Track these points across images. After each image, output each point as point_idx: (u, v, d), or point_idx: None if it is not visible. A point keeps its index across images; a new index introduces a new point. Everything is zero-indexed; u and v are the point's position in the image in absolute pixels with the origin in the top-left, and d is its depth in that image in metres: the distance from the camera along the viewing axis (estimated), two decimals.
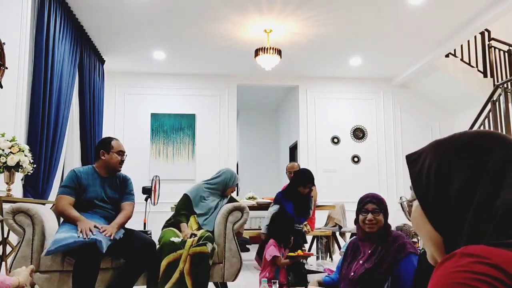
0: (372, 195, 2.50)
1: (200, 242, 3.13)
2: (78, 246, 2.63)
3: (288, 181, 5.43)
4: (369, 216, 2.41)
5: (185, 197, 3.58)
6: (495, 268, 0.52)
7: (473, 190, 0.64)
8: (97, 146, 3.15)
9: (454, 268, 0.54)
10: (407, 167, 0.75)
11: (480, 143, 0.68)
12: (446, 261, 0.57)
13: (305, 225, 4.90)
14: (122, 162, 3.12)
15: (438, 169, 0.69)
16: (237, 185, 3.81)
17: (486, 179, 0.64)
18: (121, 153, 3.10)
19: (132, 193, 3.22)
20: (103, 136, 6.59)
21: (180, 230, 3.35)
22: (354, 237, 2.63)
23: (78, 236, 2.66)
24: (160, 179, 6.69)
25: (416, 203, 0.72)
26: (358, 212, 2.49)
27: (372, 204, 2.43)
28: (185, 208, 3.52)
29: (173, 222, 3.47)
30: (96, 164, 3.10)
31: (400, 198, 1.95)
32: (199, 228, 3.46)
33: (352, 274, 2.34)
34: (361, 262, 2.36)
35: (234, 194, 4.04)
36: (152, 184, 6.38)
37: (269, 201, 5.52)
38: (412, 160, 0.74)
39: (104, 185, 3.06)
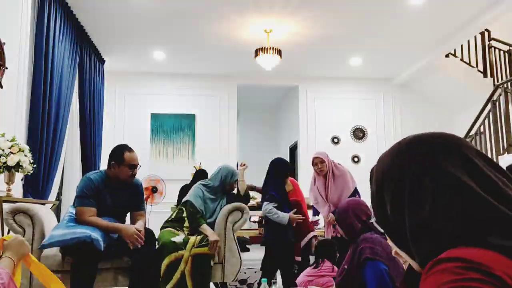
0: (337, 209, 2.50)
1: (203, 243, 3.13)
2: (75, 243, 2.62)
3: None
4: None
5: (191, 205, 3.45)
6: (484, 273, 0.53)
7: (402, 211, 0.65)
8: (110, 154, 3.00)
9: (445, 276, 0.54)
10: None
11: (399, 157, 0.69)
12: (434, 267, 0.57)
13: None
14: (133, 175, 2.99)
15: (376, 194, 0.72)
16: (236, 181, 3.72)
17: (408, 197, 0.65)
18: (133, 166, 2.97)
19: (143, 201, 3.17)
20: (103, 137, 6.61)
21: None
22: None
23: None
24: (160, 179, 6.69)
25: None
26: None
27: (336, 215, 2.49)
28: (197, 213, 3.43)
29: (195, 227, 3.34)
30: (107, 171, 3.00)
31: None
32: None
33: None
34: (345, 266, 2.34)
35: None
36: (146, 184, 6.37)
37: None
38: (370, 178, 0.78)
39: (114, 193, 2.98)
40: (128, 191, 3.05)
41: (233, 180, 3.62)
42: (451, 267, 0.54)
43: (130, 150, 3.01)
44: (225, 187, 3.59)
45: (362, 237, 2.25)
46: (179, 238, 3.13)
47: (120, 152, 2.96)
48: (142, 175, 7.10)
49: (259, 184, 5.31)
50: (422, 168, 0.65)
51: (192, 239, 3.17)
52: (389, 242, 0.73)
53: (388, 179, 0.68)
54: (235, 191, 3.85)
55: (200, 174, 5.13)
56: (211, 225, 3.51)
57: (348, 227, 2.30)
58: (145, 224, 3.04)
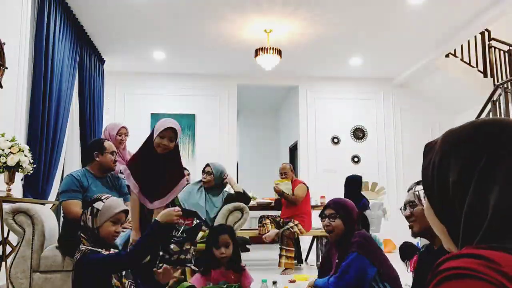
0: (335, 200, 2.47)
1: (204, 240, 3.14)
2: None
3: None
4: (325, 221, 2.40)
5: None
6: (504, 277, 0.52)
7: (467, 186, 0.64)
8: (89, 148, 3.18)
9: (458, 270, 0.54)
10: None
11: (479, 134, 0.67)
12: (451, 260, 0.56)
13: (296, 224, 4.89)
14: (115, 161, 3.17)
15: (440, 161, 0.69)
16: (208, 167, 3.82)
17: (479, 174, 0.63)
18: (114, 153, 3.16)
19: (128, 193, 3.22)
20: (103, 136, 6.61)
21: None
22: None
23: None
24: None
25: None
26: (320, 217, 2.50)
27: (329, 209, 2.41)
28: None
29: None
30: (89, 166, 3.12)
31: (414, 187, 1.92)
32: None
33: None
34: (331, 279, 2.37)
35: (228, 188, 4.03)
36: None
37: (269, 201, 5.53)
38: (427, 150, 0.75)
39: (101, 185, 3.08)
40: (111, 181, 3.18)
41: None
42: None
43: (105, 140, 3.25)
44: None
45: (357, 233, 2.38)
46: None
47: (100, 142, 3.16)
48: None
49: (257, 189, 5.35)
50: (504, 147, 0.64)
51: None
52: (428, 214, 0.72)
53: (463, 147, 0.67)
54: (232, 191, 3.87)
55: None
56: (212, 224, 3.51)
57: (352, 223, 2.39)
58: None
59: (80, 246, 1.96)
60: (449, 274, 0.54)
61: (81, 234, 1.99)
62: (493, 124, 0.67)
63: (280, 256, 4.75)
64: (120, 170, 3.99)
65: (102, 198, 2.06)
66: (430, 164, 0.71)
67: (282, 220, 5.11)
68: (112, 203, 2.05)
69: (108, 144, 3.15)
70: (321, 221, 2.47)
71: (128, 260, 1.92)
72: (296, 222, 4.91)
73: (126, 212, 2.09)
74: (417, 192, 1.78)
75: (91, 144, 3.24)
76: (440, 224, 0.70)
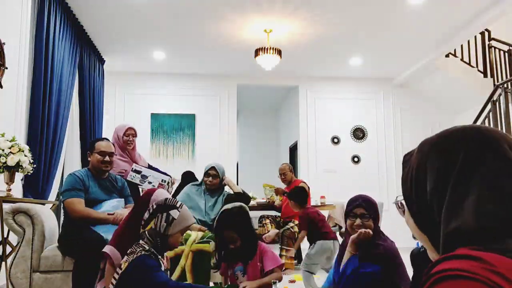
0: (363, 197, 2.30)
1: (204, 239, 3.14)
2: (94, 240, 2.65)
3: (280, 183, 5.45)
4: (358, 221, 2.22)
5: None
6: (498, 276, 0.52)
7: (443, 192, 0.64)
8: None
9: (452, 271, 0.54)
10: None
11: (452, 141, 0.67)
12: (446, 261, 0.56)
13: (296, 224, 4.90)
14: (105, 162, 3.08)
15: (417, 171, 0.70)
16: (214, 170, 3.77)
17: (454, 180, 0.64)
18: (103, 153, 3.07)
19: (130, 195, 3.26)
20: (103, 136, 6.62)
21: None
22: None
23: None
24: None
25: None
26: (346, 215, 2.30)
27: (360, 208, 2.24)
28: None
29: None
30: (89, 167, 3.14)
31: (396, 198, 1.91)
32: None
33: None
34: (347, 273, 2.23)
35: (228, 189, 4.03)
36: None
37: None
38: (404, 161, 0.76)
39: (100, 186, 3.07)
40: (112, 184, 3.15)
41: (207, 169, 3.75)
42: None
43: (102, 140, 3.19)
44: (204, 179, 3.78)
45: (387, 244, 2.21)
46: None
47: (93, 142, 3.17)
48: None
49: (257, 189, 5.36)
50: (479, 150, 0.64)
51: (193, 235, 3.18)
52: (410, 224, 0.72)
53: (437, 154, 0.67)
54: (231, 191, 3.87)
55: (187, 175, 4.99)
56: (211, 225, 3.51)
57: (377, 220, 2.25)
58: None
59: (142, 242, 1.97)
60: (443, 275, 0.54)
61: (148, 235, 1.99)
62: (464, 130, 0.68)
63: (280, 256, 4.75)
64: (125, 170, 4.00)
65: (178, 206, 2.04)
66: (408, 175, 0.72)
67: (282, 220, 5.12)
68: (187, 214, 2.06)
69: (98, 144, 3.11)
70: (349, 219, 2.27)
71: None
72: (296, 222, 4.91)
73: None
74: (399, 203, 1.75)
75: (90, 142, 3.27)
76: (421, 233, 0.70)
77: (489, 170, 0.62)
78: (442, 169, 0.66)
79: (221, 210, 2.55)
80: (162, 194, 2.42)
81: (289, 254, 4.74)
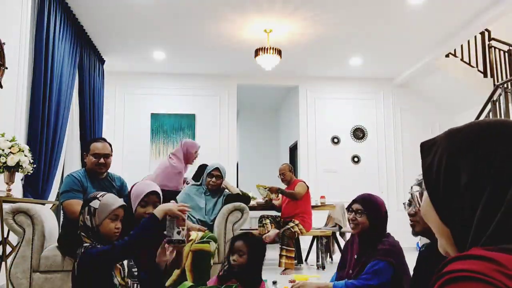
0: (364, 195, 2.44)
1: (204, 239, 3.14)
2: None
3: (280, 183, 5.45)
4: (351, 215, 2.39)
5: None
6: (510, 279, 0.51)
7: (481, 187, 0.62)
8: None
9: (466, 273, 0.52)
10: (420, 155, 0.72)
11: (490, 135, 0.65)
12: (459, 260, 0.55)
13: (297, 224, 4.90)
14: (99, 164, 3.00)
15: (448, 161, 0.66)
16: (218, 171, 3.74)
17: (493, 175, 0.61)
18: (97, 155, 2.99)
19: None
20: (103, 136, 6.62)
21: None
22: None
23: None
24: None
25: (426, 194, 0.70)
26: (347, 210, 2.49)
27: (357, 204, 2.39)
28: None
29: None
30: (86, 166, 3.11)
31: (411, 188, 1.88)
32: None
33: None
34: (350, 271, 2.36)
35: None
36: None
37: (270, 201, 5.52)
38: (426, 149, 0.72)
39: (98, 186, 3.03)
40: (111, 184, 3.11)
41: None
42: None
43: (99, 140, 3.11)
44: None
45: (388, 239, 2.31)
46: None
47: (89, 143, 3.10)
48: (142, 175, 7.11)
49: (257, 189, 5.36)
50: None
51: (193, 235, 3.18)
52: (430, 215, 0.69)
53: (474, 149, 0.65)
54: (231, 191, 3.86)
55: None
56: (212, 225, 3.52)
57: (380, 223, 2.34)
58: None
59: (83, 244, 1.97)
60: (455, 276, 0.53)
61: (82, 233, 1.99)
62: (502, 124, 0.66)
63: (281, 256, 4.75)
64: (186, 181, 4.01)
65: (98, 196, 2.05)
66: (434, 165, 0.68)
67: (282, 220, 5.12)
68: (109, 200, 2.05)
69: (93, 145, 3.03)
70: (348, 214, 2.46)
71: (120, 252, 1.92)
72: (297, 222, 4.91)
73: (124, 207, 2.09)
74: (415, 193, 1.75)
75: (87, 142, 3.22)
76: (443, 226, 0.67)
77: None
78: (482, 161, 0.63)
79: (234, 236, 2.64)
80: (140, 186, 2.46)
81: (289, 254, 4.75)
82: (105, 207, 2.00)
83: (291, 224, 4.86)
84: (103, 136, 6.66)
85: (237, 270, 2.39)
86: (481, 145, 0.64)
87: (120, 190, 3.17)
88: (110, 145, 3.15)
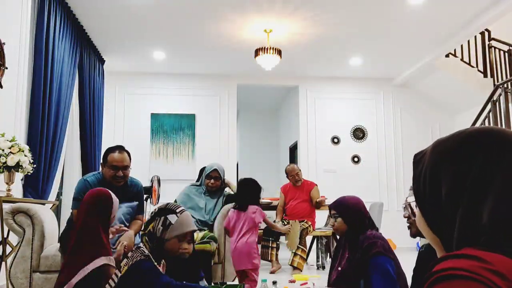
0: (338, 199, 2.52)
1: (204, 239, 3.14)
2: None
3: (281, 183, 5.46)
4: (331, 220, 2.50)
5: (174, 201, 3.64)
6: (497, 275, 0.52)
7: (459, 196, 0.63)
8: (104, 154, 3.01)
9: (453, 271, 0.54)
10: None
11: (469, 145, 0.66)
12: (448, 259, 0.57)
13: (310, 225, 4.94)
14: (117, 177, 2.88)
15: (431, 172, 0.69)
16: (216, 172, 3.71)
17: (472, 184, 0.63)
18: (115, 168, 2.87)
19: (143, 205, 3.13)
20: (103, 137, 6.62)
21: None
22: None
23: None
24: (160, 179, 6.69)
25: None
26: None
27: (332, 210, 2.50)
28: None
29: None
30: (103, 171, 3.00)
31: (406, 199, 1.90)
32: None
33: (333, 277, 2.41)
34: (339, 268, 2.39)
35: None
36: (151, 184, 6.38)
37: (269, 201, 5.53)
38: (416, 160, 0.74)
39: (115, 192, 2.91)
40: (128, 193, 3.00)
41: (209, 171, 3.70)
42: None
43: (117, 151, 2.94)
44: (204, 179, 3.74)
45: (367, 235, 2.31)
46: None
47: (106, 153, 2.94)
48: (142, 175, 7.11)
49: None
50: (499, 154, 0.63)
51: (194, 235, 3.18)
52: (421, 224, 0.72)
53: (454, 157, 0.66)
54: (230, 191, 3.86)
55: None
56: (212, 225, 3.51)
57: (357, 221, 2.37)
58: (140, 227, 2.98)
59: (142, 248, 1.95)
60: (443, 274, 0.54)
61: (146, 239, 1.97)
62: (483, 133, 0.67)
63: (295, 254, 4.75)
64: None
65: (177, 211, 2.01)
66: (421, 176, 0.71)
67: (295, 221, 5.04)
68: (185, 220, 2.01)
69: (111, 156, 2.89)
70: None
71: None
72: (309, 223, 5.00)
73: (194, 231, 2.07)
74: (409, 203, 1.76)
75: (105, 151, 3.03)
76: (433, 235, 0.69)
77: (510, 174, 0.62)
78: (459, 172, 0.65)
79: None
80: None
81: (303, 254, 4.77)
82: (180, 226, 1.98)
83: (306, 225, 4.91)
84: (103, 136, 6.66)
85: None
86: (459, 155, 0.66)
87: (135, 197, 3.06)
88: (129, 154, 3.00)
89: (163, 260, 2.04)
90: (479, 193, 0.62)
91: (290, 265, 4.75)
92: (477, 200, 0.62)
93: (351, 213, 2.40)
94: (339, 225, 2.42)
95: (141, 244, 1.99)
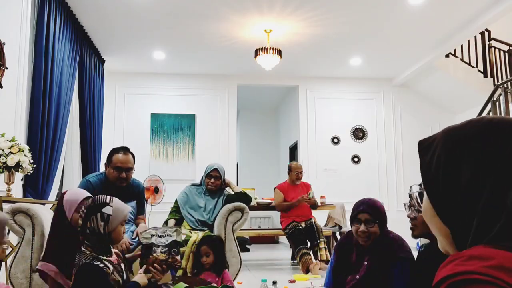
0: (367, 202, 2.23)
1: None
2: None
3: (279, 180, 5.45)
4: (362, 227, 2.16)
5: (175, 201, 3.74)
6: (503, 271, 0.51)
7: (482, 185, 0.61)
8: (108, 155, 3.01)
9: (461, 275, 0.52)
10: (418, 154, 0.71)
11: (491, 133, 0.64)
12: (458, 260, 0.55)
13: (309, 193, 5.06)
14: (120, 178, 2.89)
15: (447, 160, 0.65)
16: (216, 171, 3.74)
17: (495, 173, 0.61)
18: (119, 169, 2.88)
19: (144, 205, 3.15)
20: (103, 136, 6.62)
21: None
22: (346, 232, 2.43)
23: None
24: (160, 179, 6.69)
25: (426, 194, 0.69)
26: (351, 221, 2.25)
27: (365, 214, 2.17)
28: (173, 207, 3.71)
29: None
30: (106, 172, 3.00)
31: (410, 188, 1.84)
32: (192, 229, 3.48)
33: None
34: (357, 276, 2.21)
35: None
36: (147, 184, 6.38)
37: (269, 201, 5.53)
38: (424, 147, 0.71)
39: (116, 193, 2.98)
40: (129, 194, 3.01)
41: (209, 170, 3.73)
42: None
43: (122, 152, 2.95)
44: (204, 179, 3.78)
45: (392, 235, 2.24)
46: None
47: (111, 154, 2.96)
48: (142, 175, 7.12)
49: (257, 189, 5.38)
50: None
51: (194, 236, 3.18)
52: (429, 215, 0.68)
53: (474, 147, 0.63)
54: (231, 191, 3.86)
55: None
56: (211, 225, 3.51)
57: (386, 225, 2.25)
58: (144, 228, 3.01)
59: (83, 249, 1.95)
60: (459, 279, 0.52)
61: (86, 242, 1.96)
62: (504, 122, 0.65)
63: (320, 248, 4.76)
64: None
65: (108, 201, 2.03)
66: (433, 163, 0.67)
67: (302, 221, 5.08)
68: (120, 205, 2.05)
69: (115, 157, 2.90)
70: (354, 225, 2.20)
71: None
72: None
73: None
74: (415, 194, 1.71)
75: (110, 151, 3.03)
76: (442, 225, 0.66)
77: None
78: (482, 160, 0.62)
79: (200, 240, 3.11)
80: (74, 194, 2.40)
81: (326, 245, 4.87)
82: (119, 212, 2.01)
83: (315, 221, 5.05)
84: (103, 136, 6.66)
85: (208, 268, 2.87)
86: (482, 142, 0.63)
87: (136, 197, 3.08)
88: (133, 155, 3.00)
89: (113, 250, 2.08)
90: (504, 183, 0.60)
91: (320, 259, 4.74)
92: (502, 190, 0.60)
93: (385, 218, 2.22)
94: (376, 230, 2.15)
95: (82, 248, 1.97)
